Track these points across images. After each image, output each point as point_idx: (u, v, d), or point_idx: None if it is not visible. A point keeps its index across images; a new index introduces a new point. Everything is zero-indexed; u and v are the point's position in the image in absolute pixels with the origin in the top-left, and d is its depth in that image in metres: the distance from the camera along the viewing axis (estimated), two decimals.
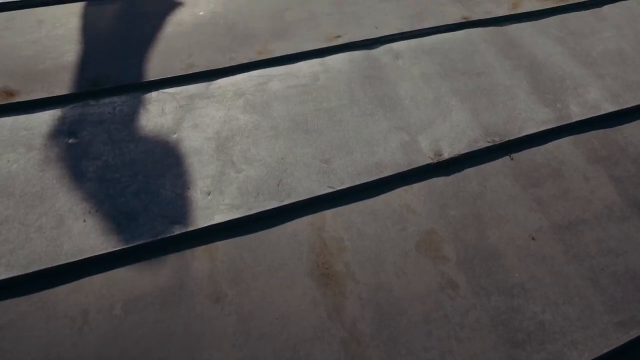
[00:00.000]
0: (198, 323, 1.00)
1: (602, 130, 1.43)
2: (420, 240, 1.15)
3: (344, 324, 1.01)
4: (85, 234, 1.12)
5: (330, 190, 1.23)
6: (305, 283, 1.07)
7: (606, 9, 1.90)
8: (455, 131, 1.39)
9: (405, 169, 1.29)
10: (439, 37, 1.72)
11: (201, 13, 1.79)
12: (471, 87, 1.53)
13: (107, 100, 1.45)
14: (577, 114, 1.46)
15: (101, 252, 1.09)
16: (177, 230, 1.14)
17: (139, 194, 1.21)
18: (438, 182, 1.28)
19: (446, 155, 1.33)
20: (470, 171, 1.30)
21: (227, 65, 1.57)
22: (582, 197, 1.25)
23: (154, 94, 1.47)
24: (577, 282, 1.09)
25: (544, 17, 1.83)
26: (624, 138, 1.41)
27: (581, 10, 1.88)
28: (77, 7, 1.79)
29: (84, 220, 1.15)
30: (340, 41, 1.68)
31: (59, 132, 1.35)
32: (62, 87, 1.48)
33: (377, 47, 1.67)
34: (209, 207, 1.19)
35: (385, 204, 1.22)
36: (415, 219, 1.19)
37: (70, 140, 1.33)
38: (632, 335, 0.99)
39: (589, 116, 1.45)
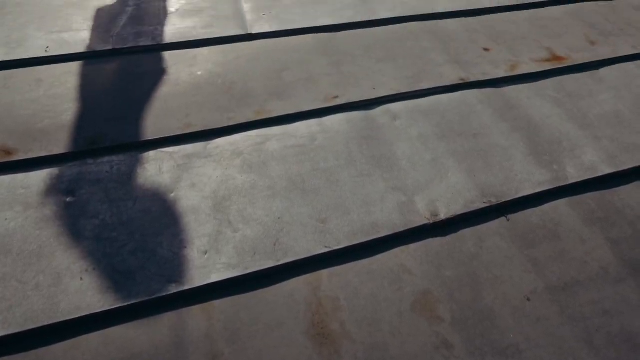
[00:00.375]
0: None
1: (598, 192, 1.61)
2: (415, 301, 1.30)
3: None
4: (82, 292, 1.27)
5: (327, 250, 1.40)
6: (302, 342, 1.20)
7: (603, 71, 2.14)
8: (451, 192, 1.58)
9: (401, 229, 1.46)
10: (436, 99, 1.94)
11: (199, 73, 2.02)
12: (468, 148, 1.73)
13: (105, 159, 1.64)
14: (574, 175, 1.65)
15: (98, 310, 1.24)
16: (174, 289, 1.29)
17: (136, 253, 1.37)
18: (434, 243, 1.44)
19: (443, 216, 1.50)
20: (466, 232, 1.47)
21: (225, 125, 1.78)
22: (577, 258, 1.42)
23: (151, 153, 1.67)
24: (572, 343, 1.23)
25: (541, 79, 2.07)
26: (620, 200, 1.59)
27: (579, 72, 2.12)
28: (76, 66, 2.02)
29: (81, 279, 1.30)
30: (338, 102, 1.90)
31: (57, 191, 1.53)
32: (60, 145, 1.67)
33: (374, 108, 1.89)
34: (206, 266, 1.34)
35: (382, 264, 1.38)
36: (411, 279, 1.35)
37: (68, 199, 1.51)
38: None
39: (585, 178, 1.64)
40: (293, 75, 2.02)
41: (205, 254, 1.37)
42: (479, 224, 1.50)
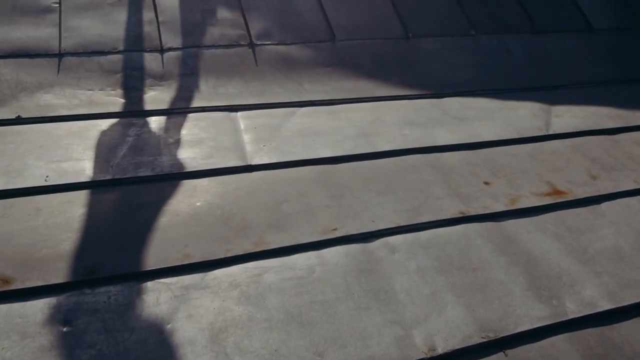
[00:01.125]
0: None
1: (598, 328, 1.88)
2: None
3: None
4: None
5: None
6: None
7: (604, 205, 2.50)
8: (450, 326, 1.84)
9: None
10: (435, 232, 2.27)
11: (198, 203, 2.38)
12: (467, 282, 2.03)
13: (102, 289, 1.93)
14: (573, 311, 1.93)
15: None
16: None
17: None
18: None
19: (440, 350, 1.76)
20: None
21: (222, 256, 2.09)
22: None
23: (149, 284, 1.96)
24: None
25: (541, 214, 2.41)
26: (620, 336, 1.85)
27: (579, 206, 2.48)
28: (75, 196, 2.37)
29: None
30: (337, 234, 2.22)
31: (54, 321, 1.80)
32: (58, 275, 1.96)
33: (373, 241, 2.21)
34: None
35: None
36: None
37: (65, 329, 1.77)
38: None
39: (585, 313, 1.92)
40: (292, 207, 2.37)
41: None
42: (476, 358, 1.75)
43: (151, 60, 3.32)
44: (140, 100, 3.08)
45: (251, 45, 3.52)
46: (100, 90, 3.13)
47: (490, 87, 3.56)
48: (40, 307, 1.84)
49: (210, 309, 1.87)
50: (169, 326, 1.80)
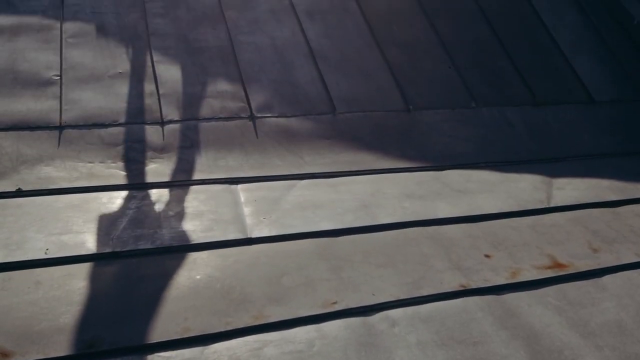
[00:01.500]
0: None
1: None
2: None
3: None
4: None
5: None
6: None
7: (606, 279, 2.62)
8: None
9: None
10: (436, 305, 2.39)
11: (198, 276, 2.50)
12: (467, 356, 2.13)
13: None
14: None
15: None
16: None
17: None
18: None
19: None
20: None
21: (222, 329, 2.20)
22: None
23: (149, 358, 2.06)
24: None
25: (542, 287, 2.54)
26: None
27: (581, 280, 2.60)
28: (75, 269, 2.50)
29: None
30: (337, 307, 2.34)
31: None
32: (58, 348, 2.07)
33: (373, 314, 2.33)
34: None
35: None
36: None
37: None
38: None
39: None
40: (292, 280, 2.50)
41: None
42: None
43: (152, 133, 3.51)
44: (140, 172, 3.25)
45: (252, 117, 3.73)
46: (101, 162, 3.30)
47: (491, 159, 3.74)
48: None
49: None
50: None
